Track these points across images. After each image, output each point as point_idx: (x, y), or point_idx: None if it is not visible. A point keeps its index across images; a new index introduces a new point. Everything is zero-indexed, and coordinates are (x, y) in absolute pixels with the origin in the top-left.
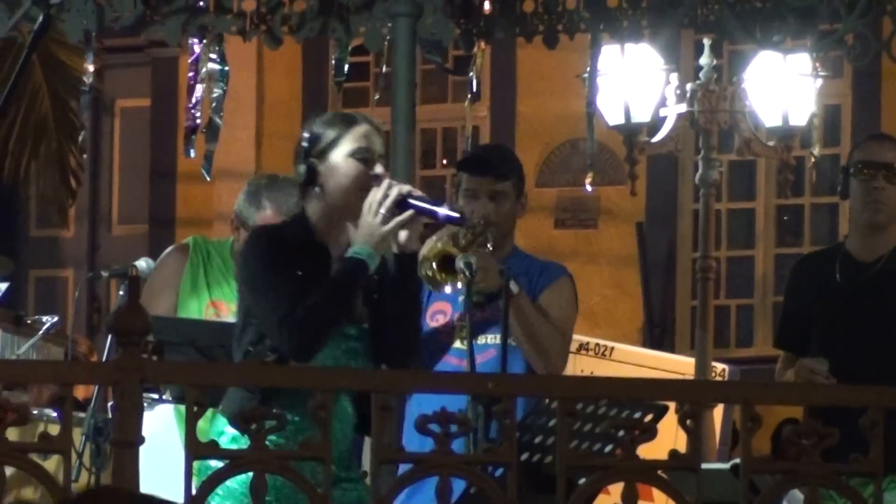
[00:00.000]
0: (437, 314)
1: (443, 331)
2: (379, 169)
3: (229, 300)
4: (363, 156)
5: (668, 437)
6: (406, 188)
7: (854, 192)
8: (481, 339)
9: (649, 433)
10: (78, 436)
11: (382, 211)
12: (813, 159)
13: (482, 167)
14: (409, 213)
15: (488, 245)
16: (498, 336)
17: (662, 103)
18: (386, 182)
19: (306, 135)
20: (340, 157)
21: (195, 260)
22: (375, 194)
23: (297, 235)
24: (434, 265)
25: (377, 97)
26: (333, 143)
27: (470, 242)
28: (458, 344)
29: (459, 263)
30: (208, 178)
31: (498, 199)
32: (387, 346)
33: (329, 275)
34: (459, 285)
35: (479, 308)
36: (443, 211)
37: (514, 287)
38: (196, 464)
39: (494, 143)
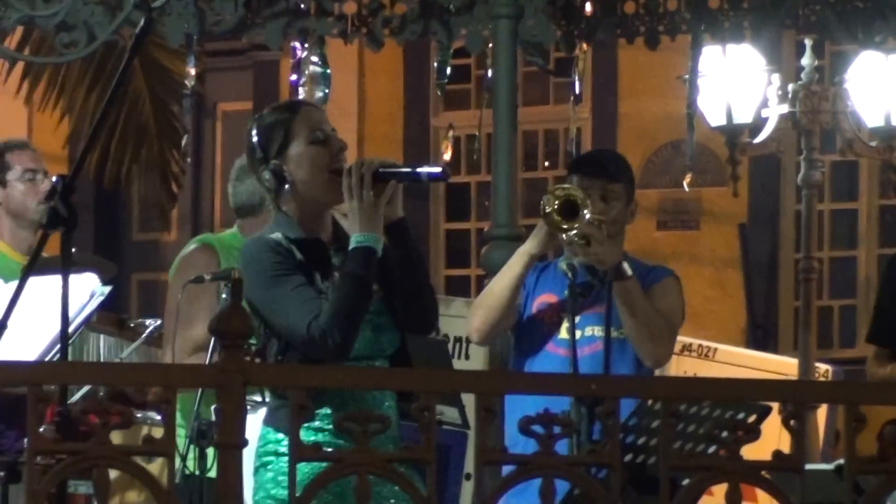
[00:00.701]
0: (544, 305)
1: (548, 320)
2: (339, 144)
3: None
4: (320, 137)
5: (772, 438)
6: (376, 161)
7: None
8: (588, 331)
9: (753, 434)
10: (182, 439)
11: (365, 192)
12: None
13: (594, 168)
14: (392, 183)
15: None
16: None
17: (764, 104)
18: (355, 163)
19: (255, 140)
20: (300, 147)
21: (227, 257)
22: (351, 178)
23: (287, 238)
24: (556, 203)
25: (483, 99)
26: (287, 138)
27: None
28: (563, 334)
29: (564, 264)
30: None
31: (609, 199)
32: (406, 314)
33: (330, 264)
34: (564, 237)
35: (585, 295)
36: (423, 170)
37: (627, 269)
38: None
39: (605, 148)
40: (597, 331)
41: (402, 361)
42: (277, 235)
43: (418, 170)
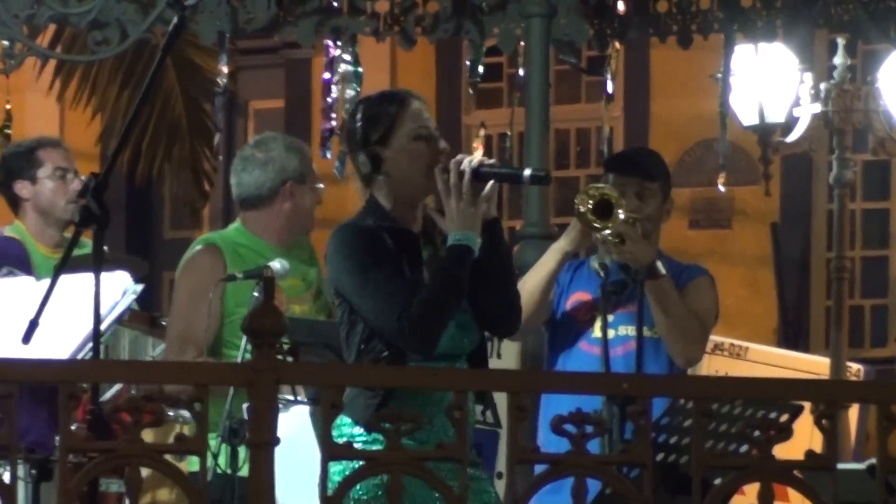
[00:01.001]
0: (577, 303)
1: (581, 318)
2: (443, 144)
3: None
4: (425, 134)
5: (804, 438)
6: (476, 159)
7: None
8: (622, 331)
9: (785, 433)
10: (213, 438)
11: (464, 190)
12: None
13: (630, 166)
14: (491, 184)
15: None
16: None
17: (796, 103)
18: (455, 160)
19: (358, 123)
20: (403, 139)
21: (233, 257)
22: (451, 177)
23: (379, 226)
24: (591, 203)
25: (514, 98)
26: (392, 128)
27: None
28: (596, 332)
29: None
30: (340, 179)
31: (645, 197)
32: (488, 314)
33: (420, 256)
34: (598, 236)
35: (618, 294)
36: (526, 172)
37: (661, 268)
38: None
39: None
40: (630, 330)
41: (480, 361)
42: (369, 222)
43: (520, 172)
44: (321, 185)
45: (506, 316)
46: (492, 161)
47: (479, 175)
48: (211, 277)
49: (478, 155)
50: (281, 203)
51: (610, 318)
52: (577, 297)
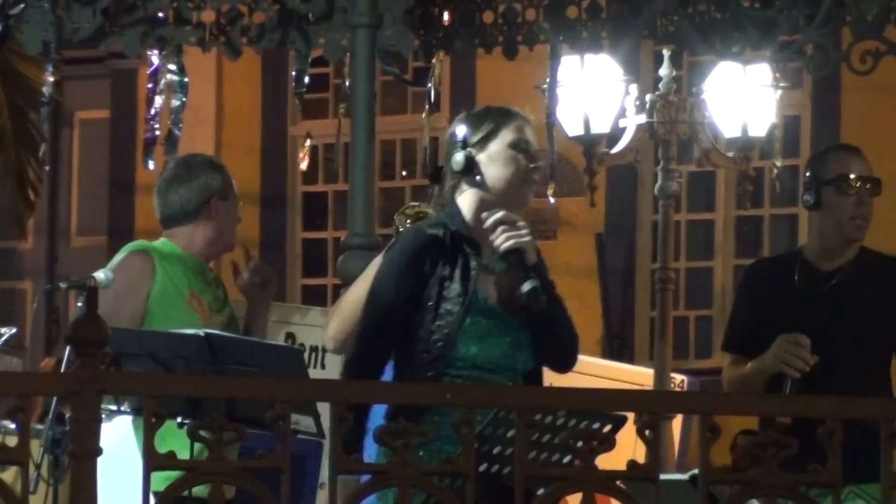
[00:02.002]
0: None
1: None
2: (542, 162)
3: (201, 290)
4: (525, 147)
5: (627, 448)
6: (517, 243)
7: (833, 205)
8: None
9: (608, 444)
10: (36, 447)
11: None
12: (775, 170)
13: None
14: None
15: None
16: None
17: (622, 114)
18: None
19: (462, 125)
20: (501, 146)
21: (163, 264)
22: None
23: (446, 230)
24: (408, 222)
25: (339, 108)
26: (493, 133)
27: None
28: None
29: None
30: None
31: None
32: (548, 352)
33: (469, 268)
34: None
35: None
36: (525, 286)
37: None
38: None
39: None
40: None
41: (536, 384)
42: (437, 231)
43: (526, 278)
44: (241, 203)
45: (561, 354)
46: (523, 246)
47: (503, 255)
48: (140, 280)
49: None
50: (206, 219)
51: None
52: None
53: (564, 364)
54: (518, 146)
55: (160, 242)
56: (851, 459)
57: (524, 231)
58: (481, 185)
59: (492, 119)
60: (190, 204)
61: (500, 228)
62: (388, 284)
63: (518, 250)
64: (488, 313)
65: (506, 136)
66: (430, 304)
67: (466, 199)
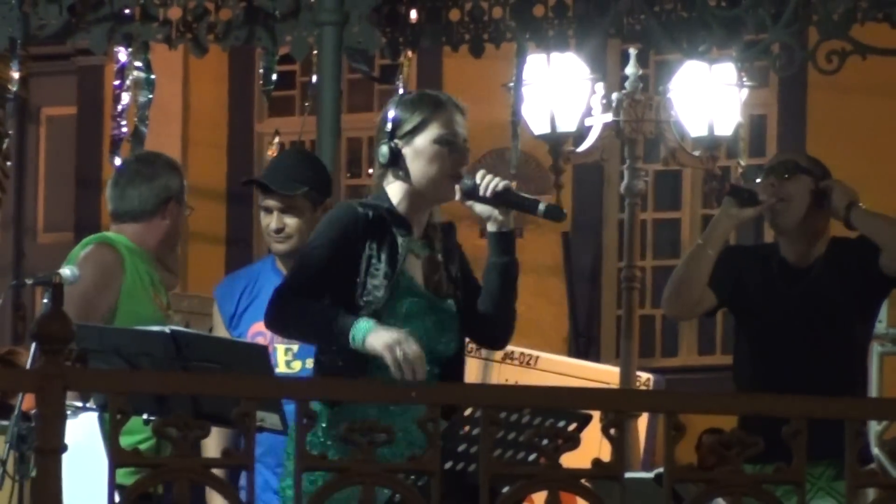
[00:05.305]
0: (258, 335)
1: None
2: (463, 152)
3: (157, 287)
4: (451, 140)
5: (592, 446)
6: (502, 184)
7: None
8: (310, 363)
9: (573, 442)
10: (1, 443)
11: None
12: (740, 170)
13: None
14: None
15: None
16: None
17: (588, 113)
18: (481, 173)
19: (391, 114)
20: (426, 142)
21: (127, 254)
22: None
23: (376, 206)
24: None
25: (305, 105)
26: (420, 127)
27: None
28: (282, 368)
29: None
30: None
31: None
32: (484, 325)
33: (396, 247)
34: None
35: None
36: (541, 206)
37: None
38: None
39: None
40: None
41: (455, 369)
42: (367, 211)
43: (536, 202)
44: (191, 206)
45: (499, 328)
46: (510, 184)
47: (498, 197)
48: (113, 274)
49: (498, 178)
50: (161, 219)
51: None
52: (256, 328)
53: (504, 339)
54: (443, 141)
55: (117, 236)
56: (821, 436)
57: (490, 177)
58: (405, 179)
59: (421, 111)
60: (148, 203)
61: (481, 173)
62: (317, 248)
63: (507, 189)
64: (414, 293)
65: (433, 131)
66: (357, 279)
67: (393, 190)
